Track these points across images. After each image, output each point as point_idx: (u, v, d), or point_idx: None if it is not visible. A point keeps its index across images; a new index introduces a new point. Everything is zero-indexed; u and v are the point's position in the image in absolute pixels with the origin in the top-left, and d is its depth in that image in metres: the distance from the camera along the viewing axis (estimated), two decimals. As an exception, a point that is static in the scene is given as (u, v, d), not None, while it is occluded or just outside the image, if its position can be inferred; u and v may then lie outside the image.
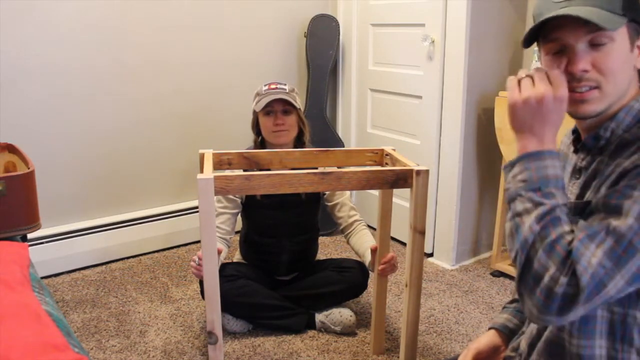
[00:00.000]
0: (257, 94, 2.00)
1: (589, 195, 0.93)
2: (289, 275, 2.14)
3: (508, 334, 1.18)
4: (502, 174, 2.39)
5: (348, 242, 2.04)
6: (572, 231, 0.85)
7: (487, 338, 1.19)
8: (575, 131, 1.03)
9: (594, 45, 0.89)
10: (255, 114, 2.02)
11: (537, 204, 0.86)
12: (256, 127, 2.03)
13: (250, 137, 2.10)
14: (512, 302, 1.24)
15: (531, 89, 0.90)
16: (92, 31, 2.37)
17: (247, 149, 2.07)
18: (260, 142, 2.04)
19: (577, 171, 0.99)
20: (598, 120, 0.94)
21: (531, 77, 0.91)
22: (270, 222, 2.03)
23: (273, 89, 1.96)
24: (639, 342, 0.88)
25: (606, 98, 0.91)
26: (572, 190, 0.99)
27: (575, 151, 1.01)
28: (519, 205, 0.88)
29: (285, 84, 2.00)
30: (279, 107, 1.95)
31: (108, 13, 2.39)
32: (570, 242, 0.83)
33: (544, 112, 0.89)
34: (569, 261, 0.81)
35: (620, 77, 0.90)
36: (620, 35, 0.88)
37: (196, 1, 2.61)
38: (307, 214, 2.08)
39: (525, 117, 0.90)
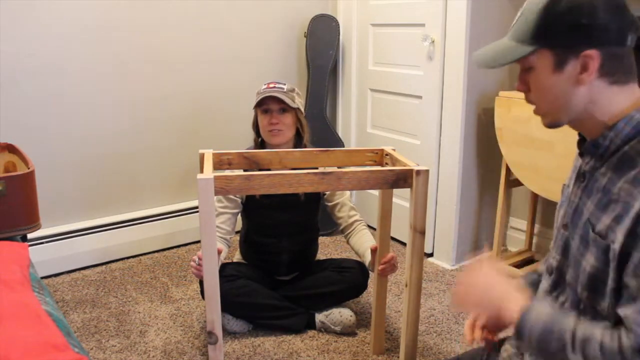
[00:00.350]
0: (257, 93, 2.01)
1: (591, 209, 0.95)
2: (289, 275, 2.14)
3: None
4: (502, 174, 2.39)
5: (348, 242, 2.04)
6: (606, 326, 0.88)
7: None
8: (580, 133, 1.05)
9: (526, 68, 0.98)
10: (255, 113, 2.03)
11: (560, 338, 0.89)
12: (256, 126, 2.04)
13: (250, 136, 2.10)
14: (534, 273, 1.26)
15: (461, 296, 1.04)
16: (92, 31, 2.37)
17: (248, 148, 2.07)
18: (261, 142, 2.04)
19: (581, 175, 1.02)
20: (598, 128, 0.96)
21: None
22: (270, 222, 2.03)
23: (271, 87, 1.97)
24: None
25: (548, 114, 1.00)
26: (577, 193, 1.01)
27: (581, 154, 1.04)
28: (552, 345, 0.91)
29: (284, 84, 2.00)
30: (275, 106, 1.95)
31: (108, 13, 2.39)
32: (614, 336, 0.84)
33: (484, 298, 1.01)
34: (627, 351, 0.82)
35: (549, 98, 0.97)
36: (539, 60, 0.95)
37: (196, 1, 2.61)
38: (307, 214, 2.08)
39: (486, 310, 1.01)
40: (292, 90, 1.99)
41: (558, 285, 1.05)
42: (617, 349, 0.84)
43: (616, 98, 0.94)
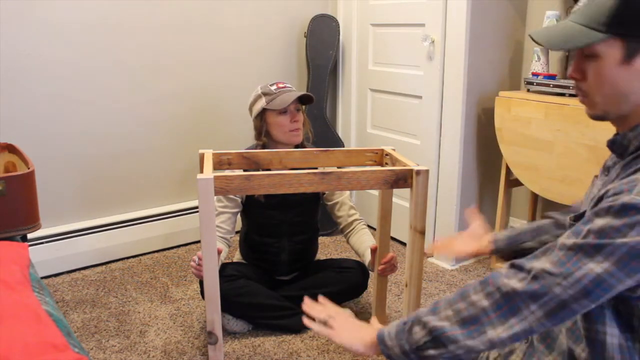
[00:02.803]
0: (265, 94, 1.96)
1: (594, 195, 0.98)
2: (289, 275, 2.14)
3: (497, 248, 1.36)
4: (502, 173, 2.39)
5: (348, 242, 2.04)
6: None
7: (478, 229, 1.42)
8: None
9: (586, 55, 0.93)
10: (261, 115, 1.98)
11: (415, 318, 1.00)
12: (262, 128, 1.99)
13: (249, 136, 2.09)
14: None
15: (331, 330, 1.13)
16: (92, 31, 2.37)
17: (248, 149, 2.07)
18: (263, 146, 2.00)
19: (605, 169, 1.04)
20: (623, 126, 0.97)
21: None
22: (270, 222, 2.03)
23: (282, 87, 1.96)
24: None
25: (596, 106, 0.96)
26: (599, 186, 1.03)
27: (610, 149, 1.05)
28: (413, 331, 0.98)
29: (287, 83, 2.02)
30: (292, 105, 1.95)
31: (108, 13, 2.39)
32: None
33: (342, 328, 1.12)
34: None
35: (607, 89, 0.93)
36: (608, 49, 0.90)
37: (196, 1, 2.61)
38: (307, 213, 2.08)
39: (349, 339, 1.09)
40: None
41: None
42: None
43: None
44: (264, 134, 1.99)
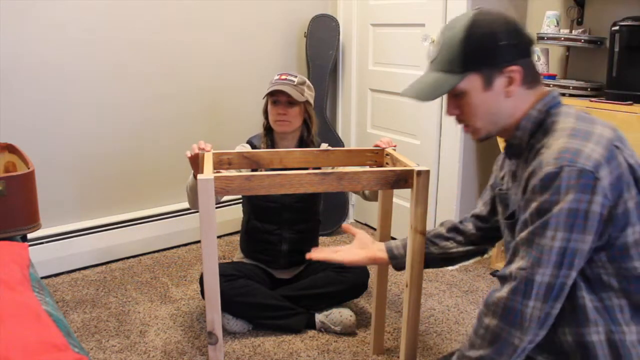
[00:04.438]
0: (270, 82, 2.05)
1: (514, 199, 1.14)
2: (289, 271, 2.14)
3: (391, 255, 1.48)
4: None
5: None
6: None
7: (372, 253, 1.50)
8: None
9: (455, 94, 1.11)
10: (266, 99, 2.06)
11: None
12: (266, 112, 2.08)
13: (250, 134, 2.11)
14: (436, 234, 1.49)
15: None
16: (92, 31, 2.37)
17: (253, 137, 2.10)
18: (268, 127, 2.07)
19: (513, 175, 1.18)
20: (511, 131, 1.12)
21: None
22: (271, 205, 2.03)
23: (282, 79, 2.00)
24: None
25: (480, 130, 1.13)
26: (517, 192, 1.15)
27: (509, 157, 1.21)
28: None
29: (296, 76, 2.03)
30: (283, 98, 1.99)
31: (108, 13, 2.39)
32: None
33: None
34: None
35: (483, 113, 1.11)
36: (470, 84, 1.08)
37: (196, 1, 2.61)
38: (308, 200, 2.09)
39: None
40: (303, 83, 2.02)
41: None
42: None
43: (529, 99, 1.11)
44: (265, 118, 2.09)
